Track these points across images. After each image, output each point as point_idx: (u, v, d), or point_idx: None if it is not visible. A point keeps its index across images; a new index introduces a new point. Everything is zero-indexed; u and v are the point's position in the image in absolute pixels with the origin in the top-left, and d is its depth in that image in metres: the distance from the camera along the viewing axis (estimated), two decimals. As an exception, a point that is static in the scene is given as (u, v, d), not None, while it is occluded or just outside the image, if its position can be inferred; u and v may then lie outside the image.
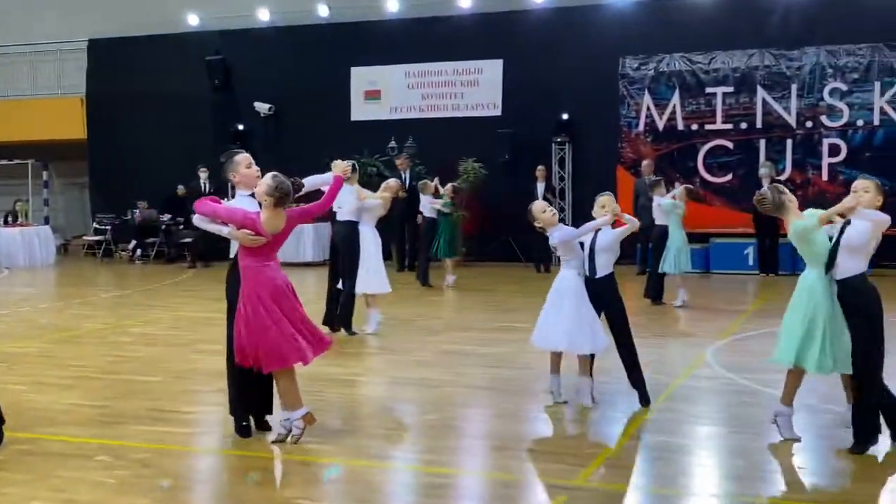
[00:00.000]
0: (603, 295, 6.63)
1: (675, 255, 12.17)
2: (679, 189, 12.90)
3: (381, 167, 18.81)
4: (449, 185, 15.38)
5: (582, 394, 6.61)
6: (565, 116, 18.32)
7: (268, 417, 6.03)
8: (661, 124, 17.96)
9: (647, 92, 18.00)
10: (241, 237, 5.53)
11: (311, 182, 6.25)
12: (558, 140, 18.53)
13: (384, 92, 19.93)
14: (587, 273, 6.65)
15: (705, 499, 4.97)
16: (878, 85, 16.63)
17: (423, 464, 5.56)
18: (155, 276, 17.49)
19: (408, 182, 17.30)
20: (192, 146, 20.54)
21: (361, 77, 20.11)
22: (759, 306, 12.53)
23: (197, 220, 5.69)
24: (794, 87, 17.14)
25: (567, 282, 6.62)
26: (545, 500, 4.96)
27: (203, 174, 19.24)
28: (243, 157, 5.74)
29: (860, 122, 16.77)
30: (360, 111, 20.13)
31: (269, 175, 5.55)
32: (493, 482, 5.26)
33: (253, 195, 5.65)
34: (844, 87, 16.86)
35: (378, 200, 10.23)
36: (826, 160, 16.94)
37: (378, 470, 5.45)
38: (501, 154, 18.51)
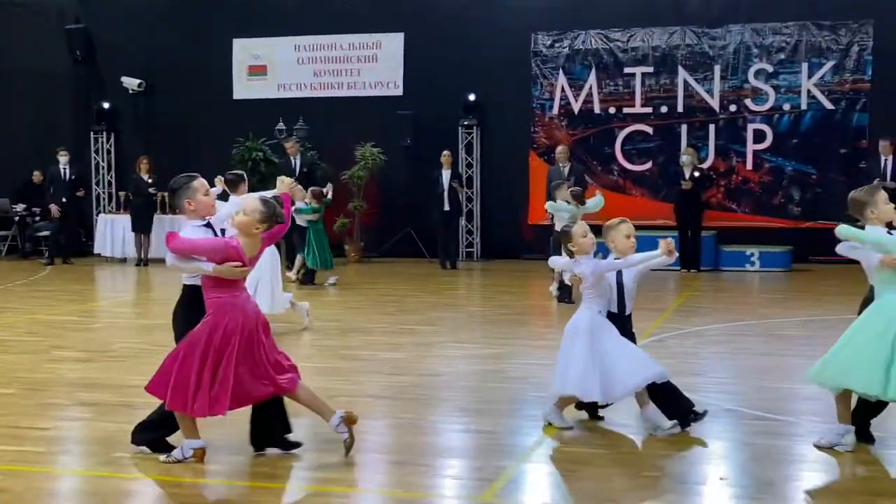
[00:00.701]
0: (630, 332, 6.64)
1: None
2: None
3: (268, 152, 18.65)
4: (310, 190, 15.32)
5: (653, 421, 6.47)
6: (473, 97, 18.48)
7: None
8: (576, 107, 18.29)
9: (561, 72, 18.30)
10: (228, 272, 5.58)
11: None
12: (465, 123, 18.69)
13: (271, 67, 19.75)
14: (615, 310, 6.57)
15: (622, 513, 5.12)
16: (805, 66, 17.28)
17: (316, 482, 5.57)
18: (7, 273, 16.97)
19: (297, 170, 17.19)
20: (51, 127, 19.98)
21: (245, 50, 19.88)
22: (679, 305, 12.90)
23: (172, 260, 5.67)
24: (717, 68, 17.67)
25: (583, 322, 6.43)
26: (450, 518, 5.03)
27: (63, 158, 18.75)
28: (200, 184, 5.85)
29: (787, 107, 17.40)
30: (244, 89, 19.90)
31: (255, 200, 5.72)
32: (393, 500, 5.30)
33: (208, 225, 5.81)
34: (770, 69, 17.46)
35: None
36: (750, 147, 17.52)
37: (265, 491, 5.43)
38: (403, 138, 18.56)
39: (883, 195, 5.93)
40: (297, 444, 5.98)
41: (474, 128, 18.73)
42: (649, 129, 18.00)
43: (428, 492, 5.44)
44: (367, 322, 11.14)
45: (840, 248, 5.98)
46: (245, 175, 10.15)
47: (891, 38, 16.62)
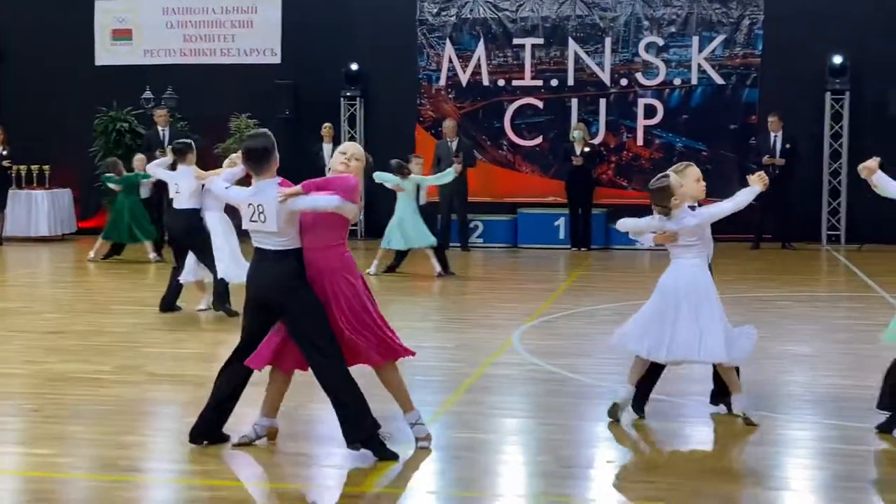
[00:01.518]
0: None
1: (401, 229, 13.20)
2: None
3: (134, 123, 18.20)
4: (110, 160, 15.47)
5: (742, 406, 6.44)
6: (355, 67, 18.36)
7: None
8: (464, 79, 18.35)
9: (448, 41, 18.33)
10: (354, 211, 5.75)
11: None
12: (348, 94, 18.56)
13: (136, 31, 19.23)
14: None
15: (511, 499, 5.20)
16: (696, 40, 17.70)
17: (185, 475, 5.49)
18: None
19: (166, 142, 16.82)
20: None
21: (108, 12, 19.31)
22: (570, 284, 13.13)
23: (339, 202, 5.64)
24: (608, 40, 17.95)
25: (704, 275, 6.33)
26: (330, 510, 5.03)
27: None
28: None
29: (677, 81, 17.81)
30: (107, 54, 19.33)
31: (358, 145, 6.06)
32: (270, 493, 5.27)
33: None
34: (661, 42, 17.83)
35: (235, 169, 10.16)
36: (641, 122, 17.88)
37: (131, 485, 5.33)
38: (281, 109, 18.32)
39: None
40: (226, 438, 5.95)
41: (357, 99, 18.62)
42: (539, 103, 18.18)
43: (306, 482, 5.42)
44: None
45: None
46: (193, 144, 10.33)
47: (781, 13, 17.14)
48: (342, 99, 18.54)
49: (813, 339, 9.26)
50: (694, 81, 17.71)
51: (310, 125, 17.79)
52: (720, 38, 17.55)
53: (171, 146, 9.73)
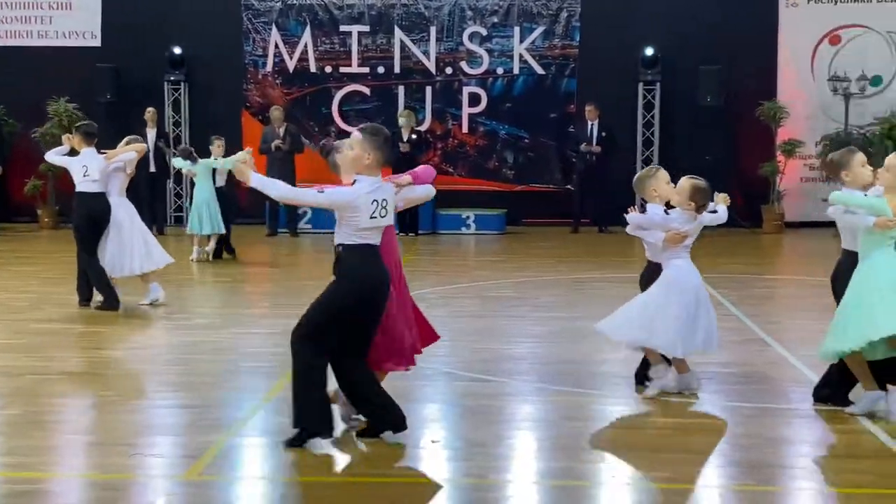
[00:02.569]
0: None
1: (199, 213, 13.19)
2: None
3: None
4: None
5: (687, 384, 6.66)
6: (179, 51, 17.87)
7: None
8: (291, 65, 18.13)
9: (274, 27, 18.06)
10: None
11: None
12: (172, 79, 18.05)
13: (-54, 10, 18.18)
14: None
15: (345, 480, 5.19)
16: (517, 31, 18.01)
17: (3, 468, 5.26)
18: None
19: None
20: None
21: (-86, -10, 18.17)
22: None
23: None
24: (433, 29, 18.07)
25: (697, 279, 6.62)
26: (150, 499, 4.90)
27: None
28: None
29: (500, 70, 18.09)
30: (-86, 34, 18.21)
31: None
32: (92, 484, 5.09)
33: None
34: (484, 32, 18.07)
35: (132, 153, 9.98)
36: (466, 110, 18.09)
37: None
38: (102, 93, 17.66)
39: (860, 157, 6.15)
40: None
41: (181, 84, 18.12)
42: (367, 90, 18.15)
43: (129, 472, 5.26)
44: (67, 293, 10.49)
45: (831, 212, 6.18)
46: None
47: (596, 6, 17.62)
48: (166, 83, 18.02)
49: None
50: (516, 71, 18.03)
51: (133, 110, 17.19)
52: (540, 30, 17.92)
53: (80, 128, 9.55)
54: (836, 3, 17.42)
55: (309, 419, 5.48)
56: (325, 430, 5.52)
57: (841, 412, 6.15)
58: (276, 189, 5.60)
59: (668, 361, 6.62)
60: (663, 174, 6.78)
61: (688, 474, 5.24)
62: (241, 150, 13.48)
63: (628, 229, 6.88)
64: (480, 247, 15.86)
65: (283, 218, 16.73)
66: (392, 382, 6.95)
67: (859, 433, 5.84)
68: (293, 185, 17.28)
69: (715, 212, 6.79)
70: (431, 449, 5.65)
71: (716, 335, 6.63)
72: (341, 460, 5.47)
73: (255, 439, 5.84)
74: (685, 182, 6.61)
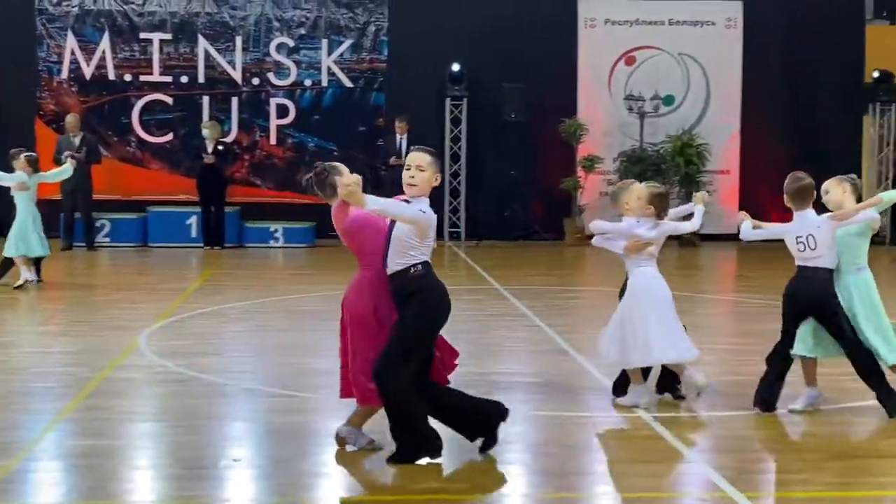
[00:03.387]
0: None
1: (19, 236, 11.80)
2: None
3: None
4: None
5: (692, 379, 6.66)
6: (-34, 55, 16.90)
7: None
8: (88, 72, 17.44)
9: (70, 33, 17.33)
10: None
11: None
12: (-42, 84, 17.04)
13: None
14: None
15: (133, 506, 4.98)
16: (325, 43, 17.93)
17: None
18: None
19: None
20: None
21: None
22: (201, 284, 12.84)
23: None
24: (238, 39, 17.76)
25: (663, 287, 6.61)
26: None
27: None
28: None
29: (308, 82, 17.96)
30: None
31: None
32: None
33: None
34: (292, 43, 17.90)
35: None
36: (274, 122, 17.86)
37: None
38: None
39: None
40: None
41: (-32, 90, 17.12)
42: (169, 100, 17.65)
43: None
44: None
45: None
46: None
47: (404, 21, 17.76)
48: (-48, 90, 16.99)
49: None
50: (324, 83, 17.95)
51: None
52: (348, 43, 17.91)
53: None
54: (631, 25, 18.19)
55: (418, 448, 5.46)
56: (434, 451, 5.50)
57: (639, 418, 6.36)
58: (396, 208, 5.39)
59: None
60: (636, 188, 6.79)
61: (487, 484, 5.30)
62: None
63: (594, 241, 6.95)
64: (289, 260, 15.67)
65: (80, 232, 16.04)
66: (188, 401, 6.75)
67: (654, 439, 6.05)
68: (91, 195, 16.77)
69: (691, 214, 6.99)
70: (233, 469, 5.49)
71: (680, 346, 6.62)
72: (133, 486, 5.25)
73: (46, 463, 5.53)
74: (643, 189, 6.72)
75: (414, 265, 5.40)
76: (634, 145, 17.62)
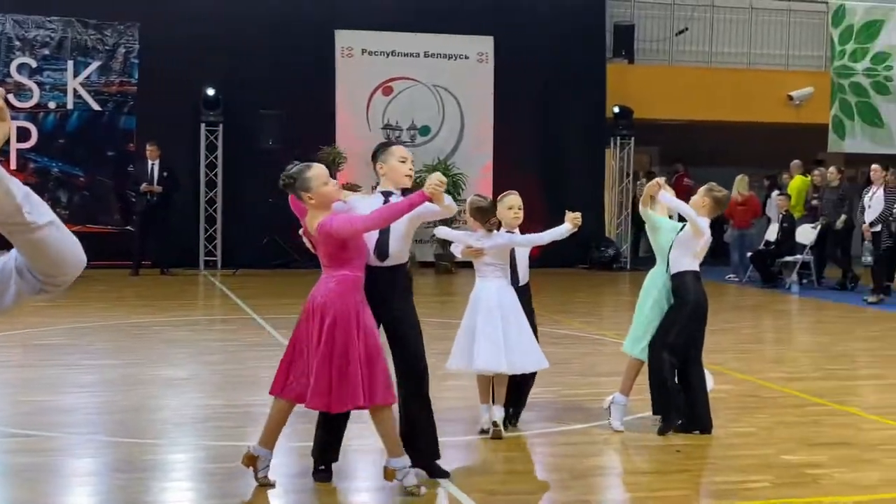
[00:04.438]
0: (528, 302, 6.79)
1: None
2: None
3: None
4: None
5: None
6: None
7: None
8: None
9: None
10: None
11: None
12: None
13: None
14: (512, 282, 6.68)
15: None
16: (71, 64, 17.16)
17: None
18: None
19: None
20: None
21: None
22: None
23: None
24: (-27, 58, 16.75)
25: (494, 294, 6.53)
26: None
27: None
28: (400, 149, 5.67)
29: (52, 105, 17.12)
30: None
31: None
32: None
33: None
34: (34, 64, 17.02)
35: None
36: (14, 145, 16.87)
37: None
38: None
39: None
40: None
41: None
42: None
43: None
44: None
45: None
46: None
47: (155, 44, 17.23)
48: None
49: (187, 362, 9.34)
50: (70, 106, 17.17)
51: None
52: (96, 64, 17.23)
53: None
54: (387, 56, 18.46)
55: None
56: None
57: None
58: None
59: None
60: (510, 199, 6.74)
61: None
62: None
63: (451, 247, 7.01)
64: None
65: None
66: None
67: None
68: None
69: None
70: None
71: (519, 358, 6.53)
72: None
73: None
74: (468, 202, 6.80)
75: (409, 258, 5.72)
76: (392, 174, 17.83)
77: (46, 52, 17.11)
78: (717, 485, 5.78)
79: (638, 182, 7.42)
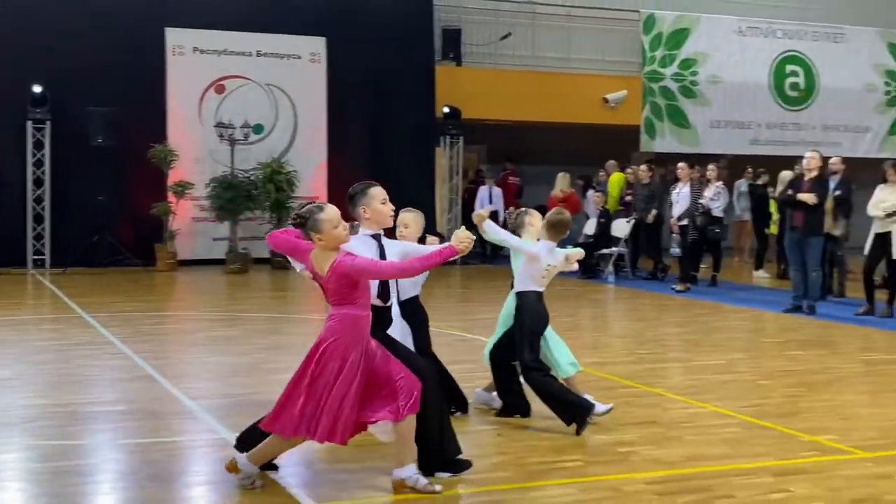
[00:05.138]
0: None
1: None
2: None
3: None
4: None
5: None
6: None
7: None
8: None
9: None
10: None
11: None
12: None
13: None
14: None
15: None
16: None
17: None
18: None
19: None
20: None
21: None
22: None
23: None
24: None
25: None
26: None
27: None
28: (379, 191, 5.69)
29: None
30: None
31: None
32: None
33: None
34: None
35: None
36: None
37: None
38: None
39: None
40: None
41: None
42: None
43: None
44: None
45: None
46: None
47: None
48: None
49: (14, 362, 8.98)
50: None
51: None
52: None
53: None
54: (219, 54, 18.18)
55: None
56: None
57: (225, 440, 6.33)
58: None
59: None
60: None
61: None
62: None
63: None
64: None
65: None
66: None
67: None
68: None
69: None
70: None
71: None
72: None
73: None
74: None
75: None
76: (226, 172, 17.58)
77: None
78: (534, 465, 5.98)
79: (507, 211, 7.62)
